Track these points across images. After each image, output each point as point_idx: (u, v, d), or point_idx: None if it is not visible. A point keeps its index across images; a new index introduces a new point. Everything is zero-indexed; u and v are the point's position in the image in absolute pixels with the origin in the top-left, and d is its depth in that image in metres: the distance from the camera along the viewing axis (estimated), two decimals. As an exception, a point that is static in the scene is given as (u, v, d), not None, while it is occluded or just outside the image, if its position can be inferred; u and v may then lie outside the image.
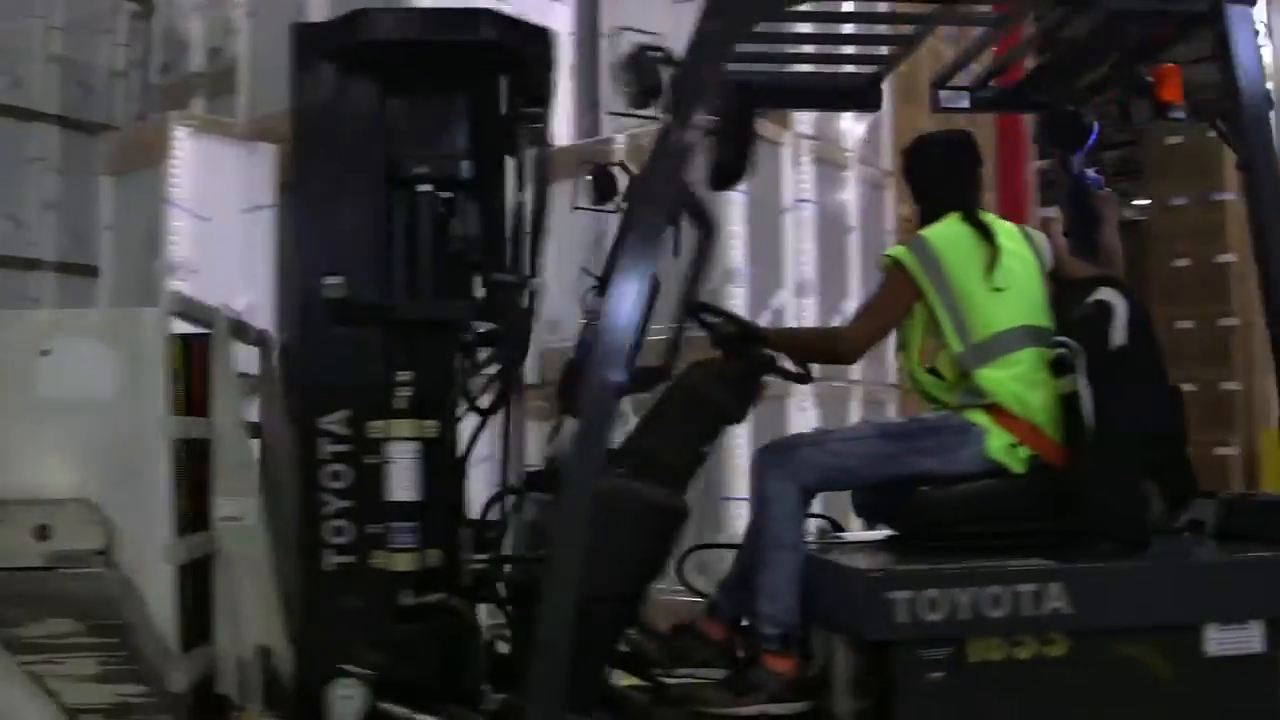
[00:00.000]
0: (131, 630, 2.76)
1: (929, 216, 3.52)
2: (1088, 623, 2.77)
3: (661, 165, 2.87)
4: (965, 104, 4.05)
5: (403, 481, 2.90)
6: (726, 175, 3.49)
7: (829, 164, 9.87)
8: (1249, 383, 24.43)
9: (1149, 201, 26.83)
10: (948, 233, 3.39)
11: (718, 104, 2.95)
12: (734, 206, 8.96)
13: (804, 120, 9.54)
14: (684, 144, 2.81)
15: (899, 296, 3.39)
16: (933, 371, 3.41)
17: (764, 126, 9.18)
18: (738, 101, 3.33)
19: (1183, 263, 23.60)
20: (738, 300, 8.69)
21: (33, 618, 2.72)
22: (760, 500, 3.26)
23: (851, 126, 10.08)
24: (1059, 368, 3.21)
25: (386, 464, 2.90)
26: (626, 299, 2.75)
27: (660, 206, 2.86)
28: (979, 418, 3.25)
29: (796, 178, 9.40)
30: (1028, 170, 11.27)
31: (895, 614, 2.69)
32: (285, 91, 3.17)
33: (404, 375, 2.97)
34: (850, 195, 10.10)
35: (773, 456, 3.36)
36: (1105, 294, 3.25)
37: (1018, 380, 3.25)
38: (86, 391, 2.86)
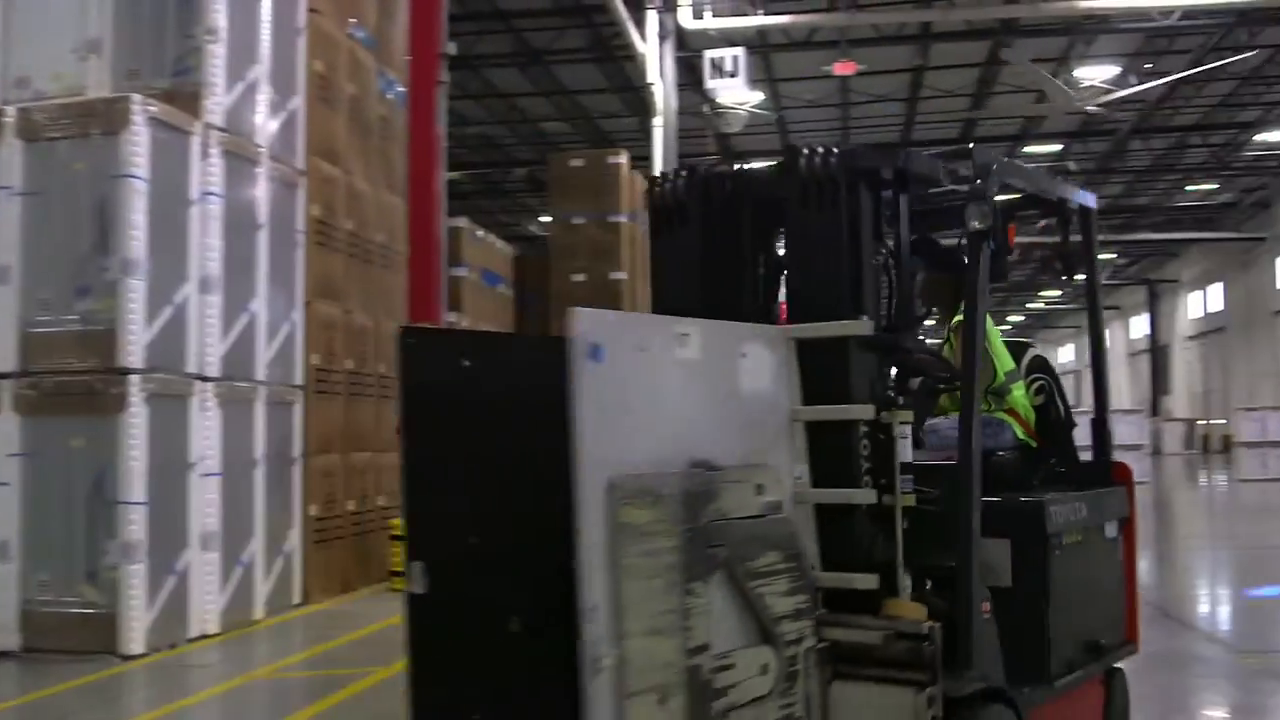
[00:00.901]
0: (803, 556, 3.89)
1: (956, 303, 5.14)
2: (1087, 523, 5.01)
3: (983, 273, 4.49)
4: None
5: (907, 451, 4.23)
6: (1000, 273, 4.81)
7: (240, 158, 9.60)
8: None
9: (551, 219, 28.47)
10: None
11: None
12: (136, 195, 8.52)
13: (214, 110, 9.22)
14: (987, 258, 4.48)
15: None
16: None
17: (173, 115, 8.84)
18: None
19: (580, 278, 25.37)
20: (136, 294, 8.27)
21: (757, 554, 3.68)
22: None
23: (265, 122, 9.88)
24: (1039, 390, 5.40)
25: (898, 440, 4.22)
26: (975, 350, 4.46)
27: (985, 296, 4.56)
28: (1005, 416, 5.20)
29: (205, 169, 9.06)
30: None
31: (1051, 521, 4.71)
32: None
33: (891, 382, 4.52)
34: (261, 191, 9.86)
35: None
36: (1036, 349, 5.59)
37: (1024, 395, 5.32)
38: (763, 384, 3.99)
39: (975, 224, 4.42)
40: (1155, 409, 53.40)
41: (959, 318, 5.04)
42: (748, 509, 3.68)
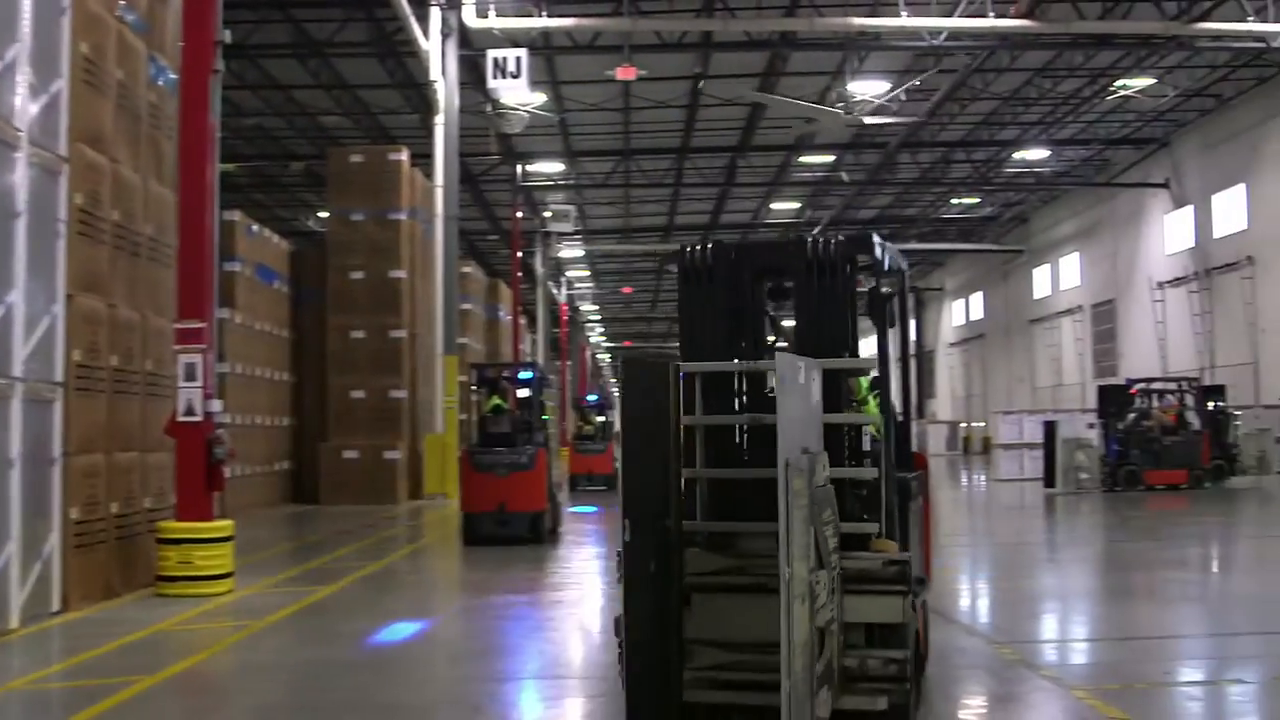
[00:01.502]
0: (838, 514, 5.65)
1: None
2: (917, 493, 6.87)
3: (891, 317, 6.44)
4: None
5: (867, 443, 6.45)
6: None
7: (-4, 141, 9.09)
8: (414, 390, 26.34)
9: (329, 215, 27.86)
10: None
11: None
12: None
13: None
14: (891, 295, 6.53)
15: (858, 370, 6.72)
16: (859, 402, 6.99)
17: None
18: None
19: (358, 275, 24.98)
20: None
21: (825, 509, 5.39)
22: None
23: (24, 104, 9.42)
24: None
25: (862, 436, 6.41)
26: (888, 376, 6.56)
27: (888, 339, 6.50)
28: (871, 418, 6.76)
29: (-46, 153, 8.55)
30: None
31: (911, 492, 6.59)
32: None
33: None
34: (19, 177, 9.37)
35: None
36: (874, 370, 6.91)
37: (874, 404, 7.16)
38: (817, 398, 5.70)
39: (886, 289, 6.41)
40: (921, 412, 55.62)
41: None
42: (820, 481, 5.41)
